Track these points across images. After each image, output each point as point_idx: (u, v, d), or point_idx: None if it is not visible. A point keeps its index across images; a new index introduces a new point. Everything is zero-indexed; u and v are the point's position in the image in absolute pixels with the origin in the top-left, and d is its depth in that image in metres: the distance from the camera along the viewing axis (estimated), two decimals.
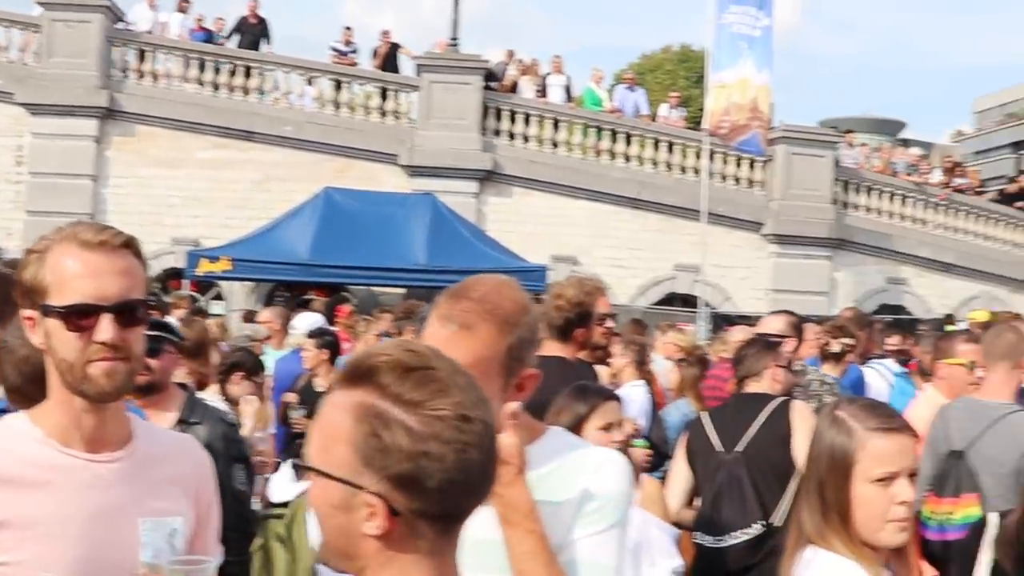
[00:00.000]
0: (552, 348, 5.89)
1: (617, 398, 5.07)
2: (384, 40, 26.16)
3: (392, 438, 1.76)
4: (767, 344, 6.46)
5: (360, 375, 1.83)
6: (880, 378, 8.90)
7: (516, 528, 2.47)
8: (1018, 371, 6.03)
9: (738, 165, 25.89)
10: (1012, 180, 33.97)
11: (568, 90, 26.54)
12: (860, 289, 26.29)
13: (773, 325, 7.63)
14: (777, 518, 5.69)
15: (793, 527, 2.99)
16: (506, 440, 2.42)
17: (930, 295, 26.93)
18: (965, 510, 5.63)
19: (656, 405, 8.69)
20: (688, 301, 24.06)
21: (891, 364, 9.42)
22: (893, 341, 11.50)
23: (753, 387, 6.11)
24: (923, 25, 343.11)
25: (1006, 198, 30.33)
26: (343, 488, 1.78)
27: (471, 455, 1.78)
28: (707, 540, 5.80)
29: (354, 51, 26.13)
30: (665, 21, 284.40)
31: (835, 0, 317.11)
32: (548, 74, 26.53)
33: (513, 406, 2.50)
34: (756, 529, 5.68)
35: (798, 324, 7.88)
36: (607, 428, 4.78)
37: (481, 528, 2.46)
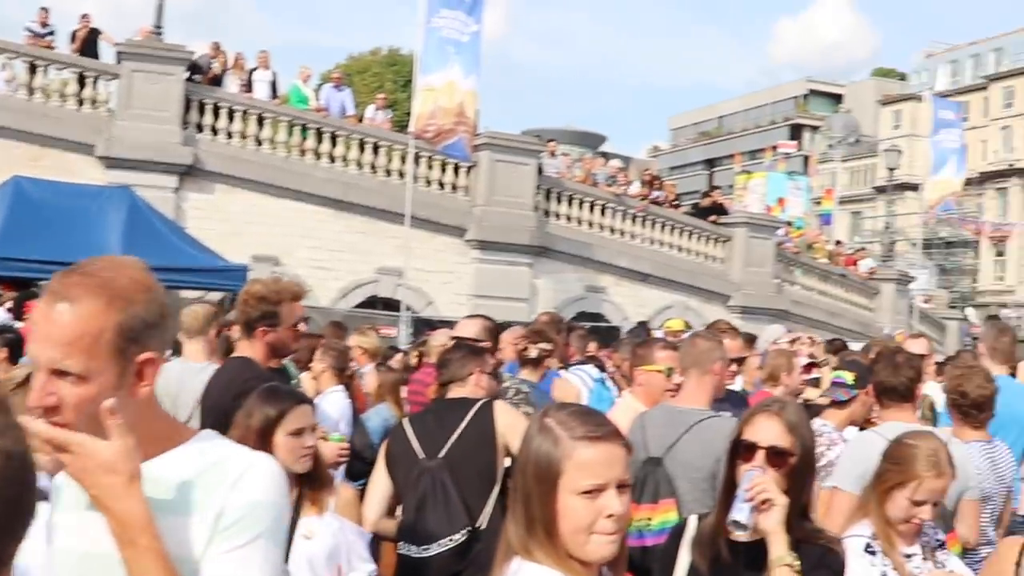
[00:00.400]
0: (242, 348, 5.76)
1: (309, 402, 4.95)
2: (83, 24, 25.14)
3: None
4: (473, 350, 6.38)
5: None
6: (581, 384, 8.95)
7: (132, 546, 2.25)
8: (710, 377, 6.14)
9: (443, 170, 25.98)
10: (705, 195, 35.26)
11: (274, 87, 26.08)
12: (560, 296, 26.79)
13: (468, 329, 7.58)
14: (483, 522, 5.61)
15: (503, 537, 2.84)
16: (109, 448, 2.23)
17: (627, 303, 27.68)
18: (663, 515, 5.68)
19: (357, 410, 8.55)
20: (390, 305, 24.02)
21: (591, 370, 9.49)
22: (592, 347, 11.65)
23: (457, 392, 6.00)
24: (623, 43, 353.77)
25: (700, 212, 31.46)
26: None
27: None
28: (412, 550, 5.66)
29: (51, 33, 25.01)
30: (374, 24, 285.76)
31: (541, 12, 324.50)
32: (254, 69, 26.00)
33: (109, 403, 2.27)
34: (462, 536, 5.58)
35: (494, 329, 7.86)
36: (298, 433, 4.64)
37: (98, 540, 2.29)
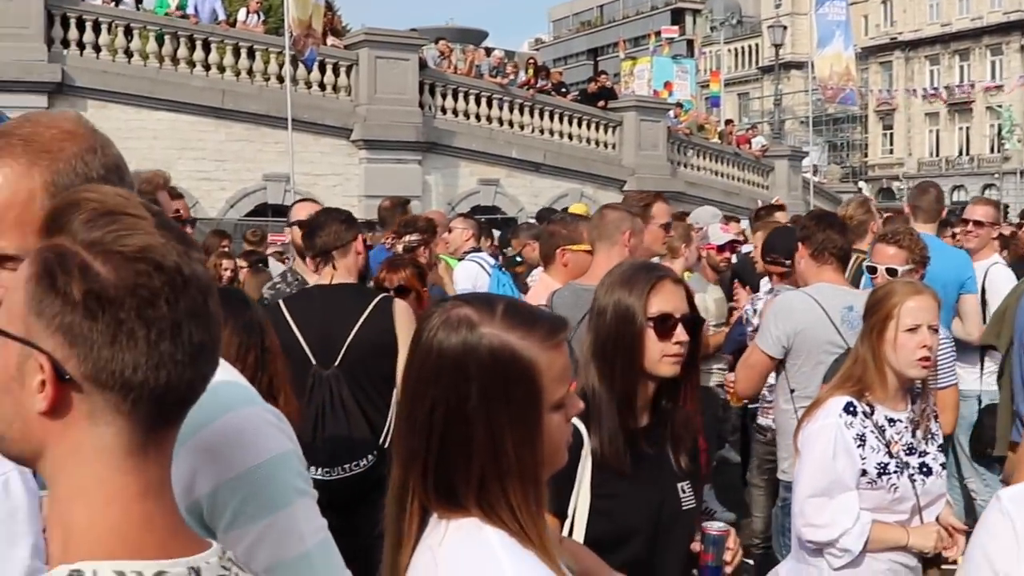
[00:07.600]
0: None
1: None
2: None
3: (66, 282, 1.36)
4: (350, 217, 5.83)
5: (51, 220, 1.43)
6: (481, 271, 8.79)
7: None
8: (619, 249, 5.71)
9: (322, 71, 25.22)
10: (592, 80, 34.77)
11: None
12: (452, 191, 26.31)
13: (306, 213, 7.01)
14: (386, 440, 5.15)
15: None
16: None
17: (521, 194, 27.30)
18: None
19: None
20: (280, 211, 23.37)
21: (488, 257, 9.35)
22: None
23: (341, 270, 5.56)
24: None
25: (588, 98, 31.00)
26: (18, 349, 1.38)
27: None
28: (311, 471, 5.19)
29: None
30: None
31: None
32: None
33: None
34: (368, 461, 5.16)
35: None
36: None
37: None
